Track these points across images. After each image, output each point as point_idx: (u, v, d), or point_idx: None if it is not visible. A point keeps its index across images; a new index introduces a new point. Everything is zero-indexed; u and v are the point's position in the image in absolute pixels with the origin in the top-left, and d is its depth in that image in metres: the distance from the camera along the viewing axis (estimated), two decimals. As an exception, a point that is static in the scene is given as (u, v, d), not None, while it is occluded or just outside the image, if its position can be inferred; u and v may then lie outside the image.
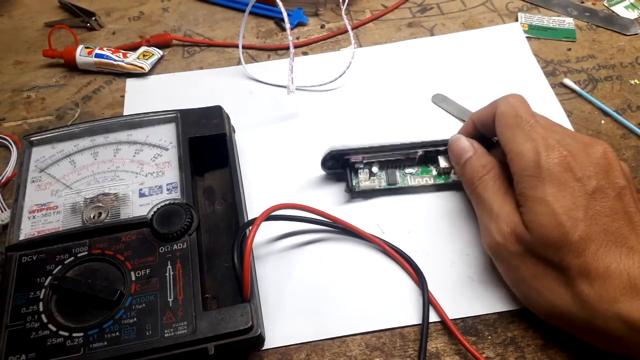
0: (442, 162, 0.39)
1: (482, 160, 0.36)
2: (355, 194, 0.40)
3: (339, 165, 0.40)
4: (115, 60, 0.49)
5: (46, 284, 0.32)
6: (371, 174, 0.40)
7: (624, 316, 0.28)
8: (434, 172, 0.40)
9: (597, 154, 0.32)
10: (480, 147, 0.37)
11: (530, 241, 0.31)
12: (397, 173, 0.40)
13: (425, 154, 0.40)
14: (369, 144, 0.39)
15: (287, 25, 0.45)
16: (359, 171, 0.40)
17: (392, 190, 0.40)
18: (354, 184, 0.40)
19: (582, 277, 0.29)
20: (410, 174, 0.40)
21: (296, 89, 0.45)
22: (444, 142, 0.39)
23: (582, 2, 0.55)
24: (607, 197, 0.30)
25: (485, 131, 0.38)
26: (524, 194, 0.32)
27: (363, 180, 0.40)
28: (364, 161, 0.39)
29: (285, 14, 0.45)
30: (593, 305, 0.29)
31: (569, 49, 0.51)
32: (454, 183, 0.40)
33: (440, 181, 0.40)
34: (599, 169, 0.31)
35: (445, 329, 0.34)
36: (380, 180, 0.40)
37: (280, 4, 0.45)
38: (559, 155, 0.31)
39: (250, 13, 0.49)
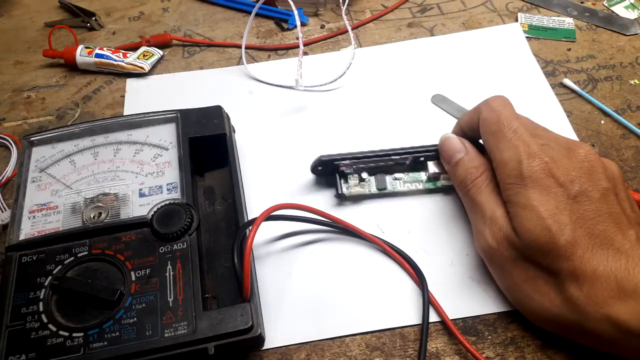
0: (431, 168, 0.39)
1: (475, 161, 0.35)
2: (345, 199, 0.40)
3: (329, 172, 0.40)
4: (115, 60, 0.49)
5: (46, 284, 0.32)
6: (361, 179, 0.40)
7: (612, 318, 0.28)
8: (424, 178, 0.40)
9: (580, 158, 0.32)
10: (473, 147, 0.37)
11: (520, 246, 0.31)
12: (387, 178, 0.40)
13: (414, 160, 0.40)
14: (358, 152, 0.39)
15: (298, 22, 0.46)
16: (349, 177, 0.40)
17: (385, 194, 0.40)
18: (343, 190, 0.39)
19: (572, 281, 0.29)
20: (400, 179, 0.40)
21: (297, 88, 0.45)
22: (433, 148, 0.39)
23: (582, 2, 0.55)
24: (590, 200, 0.31)
25: (474, 135, 0.37)
26: (510, 201, 0.32)
27: (353, 185, 0.40)
28: (354, 166, 0.39)
29: (295, 11, 0.46)
30: (583, 308, 0.29)
31: (569, 49, 0.51)
32: (443, 188, 0.40)
33: (430, 186, 0.40)
34: (581, 172, 0.31)
35: (445, 329, 0.34)
36: (370, 185, 0.40)
37: (291, 2, 0.45)
38: (540, 162, 0.31)
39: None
